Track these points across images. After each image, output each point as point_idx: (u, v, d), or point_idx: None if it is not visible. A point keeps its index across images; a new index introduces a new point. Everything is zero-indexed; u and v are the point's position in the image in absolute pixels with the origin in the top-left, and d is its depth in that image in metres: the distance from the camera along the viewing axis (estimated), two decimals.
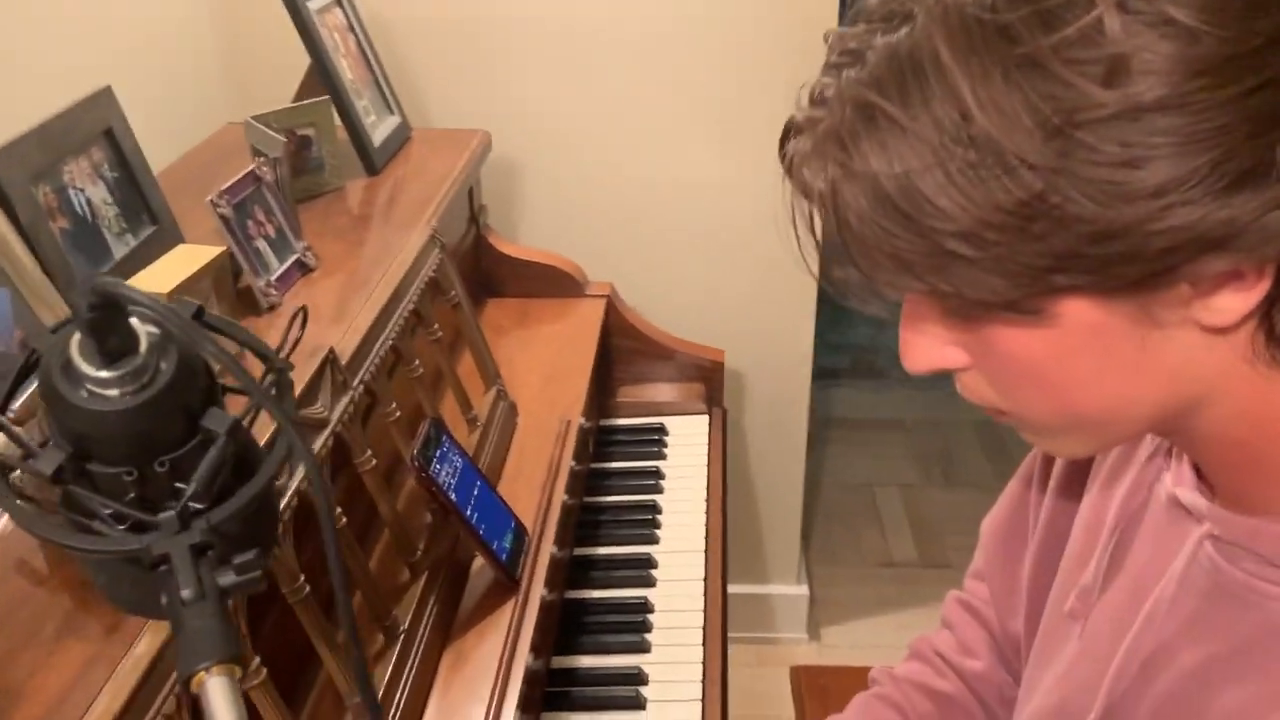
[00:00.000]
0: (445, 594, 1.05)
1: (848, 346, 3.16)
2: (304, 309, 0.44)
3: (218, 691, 0.38)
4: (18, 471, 0.43)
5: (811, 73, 1.81)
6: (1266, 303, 0.47)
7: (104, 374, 0.38)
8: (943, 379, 0.59)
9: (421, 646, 0.98)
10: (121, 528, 0.42)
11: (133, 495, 0.41)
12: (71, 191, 1.05)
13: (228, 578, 0.40)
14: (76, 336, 0.38)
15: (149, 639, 0.68)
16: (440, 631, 1.03)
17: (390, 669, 0.93)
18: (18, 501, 0.41)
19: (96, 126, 1.11)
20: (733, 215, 1.79)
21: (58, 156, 1.04)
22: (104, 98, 1.13)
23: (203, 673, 0.38)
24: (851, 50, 0.50)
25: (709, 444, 1.57)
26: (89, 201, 1.08)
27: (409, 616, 0.98)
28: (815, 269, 0.57)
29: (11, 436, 0.41)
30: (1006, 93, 0.44)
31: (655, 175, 1.77)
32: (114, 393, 0.39)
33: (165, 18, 1.56)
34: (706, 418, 1.62)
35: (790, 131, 0.54)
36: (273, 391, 0.45)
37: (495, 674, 1.00)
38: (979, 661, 0.90)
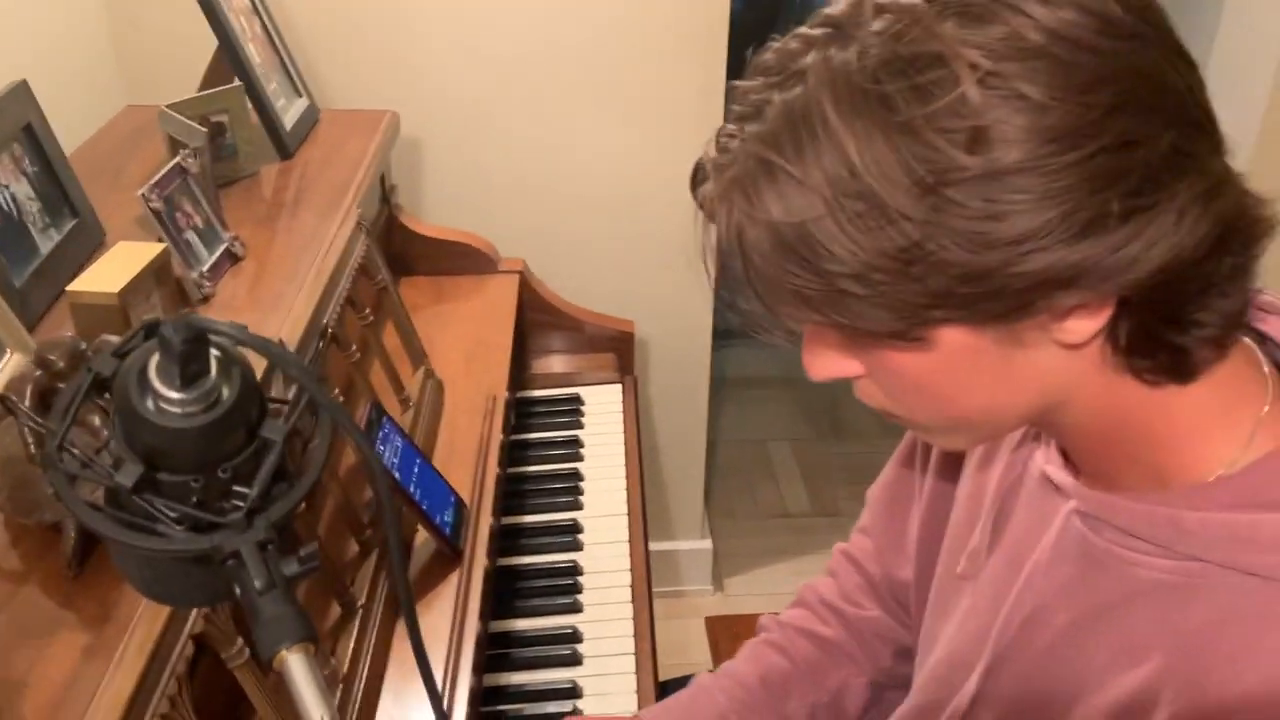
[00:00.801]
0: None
1: (738, 306, 3.27)
2: (328, 331, 0.49)
3: (298, 667, 0.44)
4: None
5: (711, 56, 1.90)
6: (1112, 322, 0.56)
7: (181, 395, 0.43)
8: None
9: (377, 619, 1.04)
10: (181, 528, 0.47)
11: (195, 499, 0.46)
12: None
13: (291, 567, 0.46)
14: (155, 360, 0.43)
15: (144, 627, 0.71)
16: (392, 604, 1.08)
17: (352, 642, 0.98)
18: (90, 508, 0.45)
19: (16, 122, 1.10)
20: (637, 190, 1.86)
21: None
22: (20, 93, 1.12)
23: (283, 652, 0.44)
24: (753, 103, 0.56)
25: (623, 411, 1.65)
26: (14, 198, 1.07)
27: (364, 591, 1.03)
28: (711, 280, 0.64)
29: (79, 454, 0.45)
30: (886, 153, 0.50)
31: (560, 152, 1.82)
32: (188, 410, 0.43)
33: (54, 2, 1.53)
34: (620, 386, 1.69)
35: (699, 173, 0.59)
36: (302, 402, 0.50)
37: (449, 640, 1.06)
38: (858, 607, 1.01)
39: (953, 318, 0.54)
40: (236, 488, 0.47)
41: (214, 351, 0.44)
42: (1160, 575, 0.61)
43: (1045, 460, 0.69)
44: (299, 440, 0.54)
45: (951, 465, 0.84)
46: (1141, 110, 0.50)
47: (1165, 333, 0.56)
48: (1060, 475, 0.67)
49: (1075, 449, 0.67)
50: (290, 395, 0.51)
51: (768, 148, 0.53)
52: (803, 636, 1.01)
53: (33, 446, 0.74)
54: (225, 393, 0.44)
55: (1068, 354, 0.57)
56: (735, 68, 0.62)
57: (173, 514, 0.46)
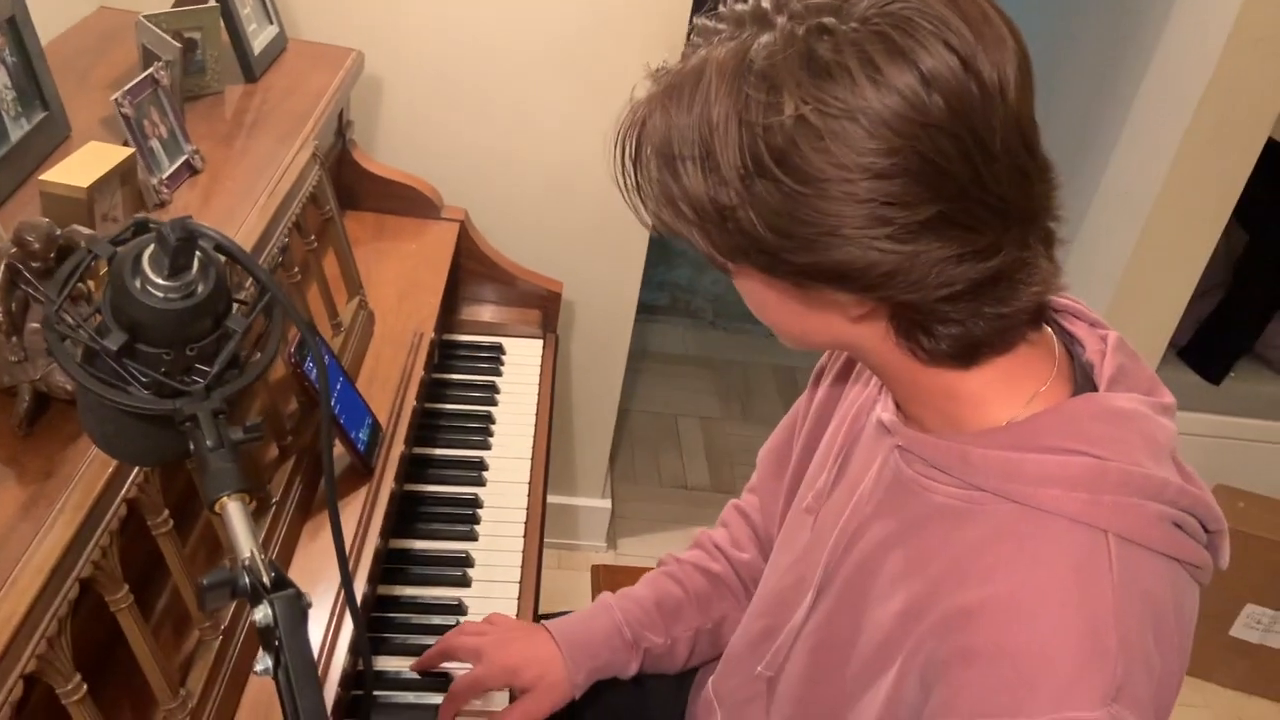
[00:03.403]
0: (308, 476, 1.19)
1: (668, 285, 3.39)
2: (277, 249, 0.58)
3: (235, 511, 0.54)
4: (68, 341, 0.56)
5: (671, 43, 2.03)
6: (888, 309, 0.70)
7: (167, 283, 0.52)
8: (752, 323, 0.80)
9: (287, 519, 1.13)
10: (148, 392, 0.56)
11: (164, 370, 0.56)
12: None
13: (237, 434, 0.56)
14: (150, 251, 0.52)
15: (84, 485, 0.80)
16: (303, 508, 1.18)
17: (263, 534, 1.08)
18: (80, 366, 0.54)
19: (1, 14, 1.16)
20: (582, 161, 1.96)
21: None
22: None
23: (225, 498, 0.54)
24: (695, 44, 0.70)
25: (541, 366, 1.75)
26: None
27: (279, 491, 1.13)
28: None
29: (73, 320, 0.55)
30: (735, 133, 0.65)
31: (514, 113, 1.91)
32: (170, 296, 0.53)
33: None
34: (541, 342, 1.80)
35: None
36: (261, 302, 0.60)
37: (350, 550, 1.16)
38: (745, 553, 1.17)
39: (753, 265, 0.70)
40: (199, 365, 0.57)
41: (198, 252, 0.54)
42: (949, 500, 0.76)
43: (882, 409, 0.83)
44: (249, 338, 0.64)
45: (820, 424, 0.97)
46: (912, 184, 0.63)
47: (920, 335, 0.71)
48: (889, 418, 0.82)
49: (892, 395, 0.82)
50: (242, 296, 0.61)
51: (673, 87, 0.69)
52: (697, 571, 1.17)
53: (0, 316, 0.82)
54: (201, 287, 0.54)
55: (854, 321, 0.72)
56: None
57: (144, 379, 0.55)
